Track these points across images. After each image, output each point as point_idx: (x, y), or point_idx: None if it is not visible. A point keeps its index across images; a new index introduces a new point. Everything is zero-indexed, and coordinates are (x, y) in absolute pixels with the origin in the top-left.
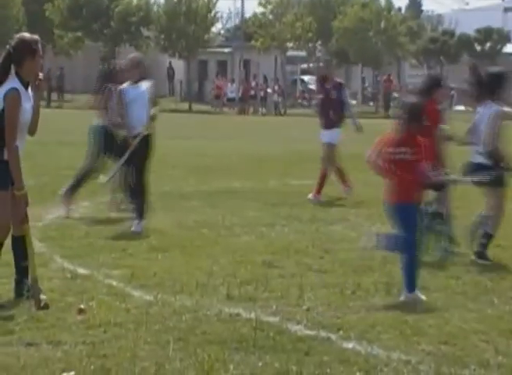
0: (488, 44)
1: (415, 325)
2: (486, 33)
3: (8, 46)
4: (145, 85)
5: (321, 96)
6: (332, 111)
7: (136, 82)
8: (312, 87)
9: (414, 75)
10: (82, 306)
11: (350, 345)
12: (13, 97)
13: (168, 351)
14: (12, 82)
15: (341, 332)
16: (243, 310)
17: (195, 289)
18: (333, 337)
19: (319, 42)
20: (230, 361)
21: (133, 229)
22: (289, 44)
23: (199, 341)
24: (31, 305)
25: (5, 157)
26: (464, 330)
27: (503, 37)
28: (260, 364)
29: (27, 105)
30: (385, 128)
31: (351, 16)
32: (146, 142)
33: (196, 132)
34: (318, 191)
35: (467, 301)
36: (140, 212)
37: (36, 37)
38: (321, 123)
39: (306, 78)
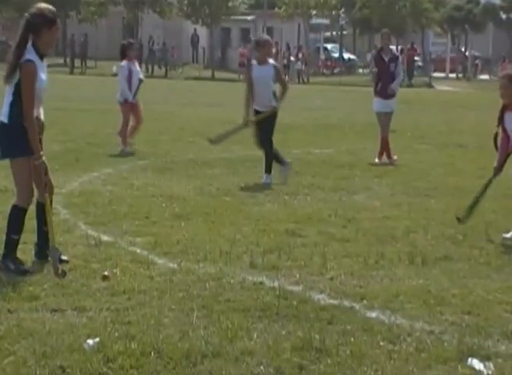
0: None
1: (438, 295)
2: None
3: (26, 15)
4: None
5: (377, 68)
6: (391, 82)
7: None
8: (335, 55)
9: (438, 43)
10: (106, 273)
11: (374, 314)
12: (29, 69)
13: (192, 319)
14: (28, 53)
15: (364, 301)
16: (267, 278)
17: (218, 257)
18: (356, 306)
19: (342, 10)
20: (253, 329)
21: (263, 181)
22: (313, 12)
23: (222, 308)
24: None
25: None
26: (487, 301)
27: None
28: (283, 332)
29: (42, 75)
30: (408, 96)
31: None
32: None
33: (219, 99)
34: (384, 154)
35: (490, 271)
36: (269, 167)
37: (53, 8)
38: (380, 93)
39: (329, 46)
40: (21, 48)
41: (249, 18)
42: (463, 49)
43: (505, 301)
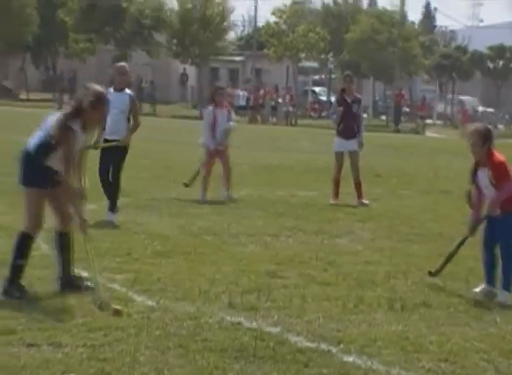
0: (500, 62)
1: (416, 341)
2: (499, 51)
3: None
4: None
5: (341, 108)
6: (354, 123)
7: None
8: (323, 98)
9: (426, 90)
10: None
11: (350, 359)
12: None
13: (168, 357)
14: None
15: (341, 345)
16: (245, 319)
17: (197, 296)
18: (333, 349)
19: (331, 54)
20: (230, 369)
21: (107, 218)
22: (302, 55)
23: (199, 348)
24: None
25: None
26: (465, 349)
27: None
28: (259, 374)
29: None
30: (395, 142)
31: (364, 27)
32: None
33: None
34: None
35: (469, 319)
36: (114, 204)
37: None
38: (344, 133)
39: (317, 89)
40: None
41: (238, 58)
42: (450, 96)
43: (482, 350)
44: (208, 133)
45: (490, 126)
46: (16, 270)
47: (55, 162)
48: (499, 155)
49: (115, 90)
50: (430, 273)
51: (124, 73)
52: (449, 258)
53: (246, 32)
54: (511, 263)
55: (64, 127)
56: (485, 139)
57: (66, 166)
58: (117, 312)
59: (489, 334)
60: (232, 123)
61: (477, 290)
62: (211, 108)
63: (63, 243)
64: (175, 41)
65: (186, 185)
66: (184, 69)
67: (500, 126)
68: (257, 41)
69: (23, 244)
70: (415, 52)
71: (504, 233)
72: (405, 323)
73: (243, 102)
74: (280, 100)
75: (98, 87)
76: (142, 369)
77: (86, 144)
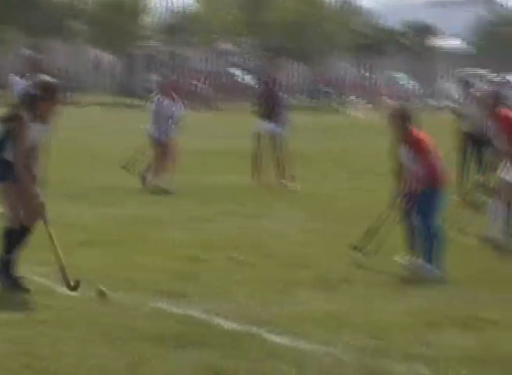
0: (415, 38)
1: (342, 318)
2: (413, 27)
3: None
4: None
5: (264, 92)
6: (277, 106)
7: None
8: (241, 80)
9: (344, 68)
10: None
11: (279, 339)
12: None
13: (94, 347)
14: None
15: (271, 326)
16: (173, 306)
17: (124, 284)
18: (262, 331)
19: (249, 36)
20: (158, 357)
21: None
22: (219, 38)
23: (126, 336)
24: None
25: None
26: (388, 322)
27: (428, 31)
28: (188, 359)
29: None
30: (317, 122)
31: (285, 8)
32: None
33: (128, 126)
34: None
35: (394, 294)
36: None
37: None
38: (268, 116)
39: (236, 72)
40: None
41: (154, 44)
42: (367, 74)
43: (406, 323)
44: (157, 123)
45: (409, 105)
46: (7, 263)
47: (10, 153)
48: (419, 133)
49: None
50: (354, 248)
51: (33, 62)
52: (371, 232)
53: (163, 17)
54: (430, 239)
55: (15, 119)
56: (403, 118)
57: (20, 157)
58: (101, 293)
59: (414, 308)
60: (180, 112)
61: (400, 260)
62: (159, 98)
63: (21, 239)
64: (90, 27)
65: (125, 168)
66: (96, 55)
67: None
68: (173, 25)
69: (8, 238)
70: (335, 32)
71: (422, 207)
72: (332, 301)
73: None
74: (199, 84)
75: (47, 78)
76: (66, 360)
77: (44, 135)
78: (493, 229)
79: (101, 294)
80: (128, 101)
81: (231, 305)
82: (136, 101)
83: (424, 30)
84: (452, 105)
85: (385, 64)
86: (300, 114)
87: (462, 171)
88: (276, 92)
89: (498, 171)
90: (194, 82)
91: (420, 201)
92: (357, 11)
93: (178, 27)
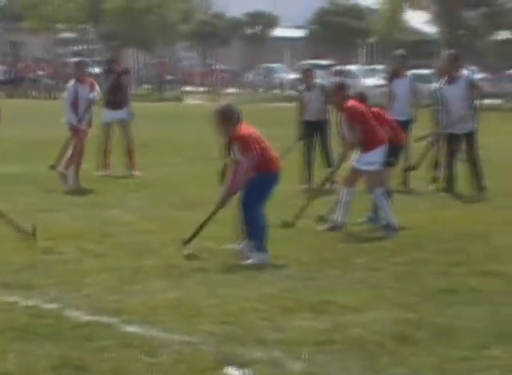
0: (257, 28)
1: (195, 306)
2: (255, 17)
3: None
4: None
5: (111, 81)
6: (124, 95)
7: None
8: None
9: (188, 57)
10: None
11: (132, 329)
12: None
13: None
14: None
15: (122, 316)
16: (21, 298)
17: None
18: (115, 321)
19: (91, 24)
20: (9, 350)
21: None
22: (60, 26)
23: None
24: None
25: None
26: (242, 309)
27: (271, 21)
28: (40, 352)
29: None
30: (159, 111)
31: None
32: None
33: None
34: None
35: (245, 280)
36: None
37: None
38: (113, 104)
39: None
40: None
41: None
42: (211, 63)
43: (260, 309)
44: (71, 110)
45: (231, 104)
46: None
47: None
48: (244, 129)
49: None
50: (184, 243)
51: None
52: (201, 228)
53: (1, 3)
54: (253, 225)
55: None
56: (224, 117)
57: None
58: None
59: (266, 294)
60: (94, 95)
61: (231, 246)
62: (72, 83)
63: None
64: None
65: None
66: None
67: (261, 90)
68: (12, 12)
69: None
70: (174, 20)
71: (246, 194)
72: (183, 289)
73: (1, 77)
74: (41, 73)
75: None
76: None
77: None
78: (339, 214)
79: None
80: None
81: (81, 296)
82: None
83: (268, 20)
84: (295, 94)
85: (226, 53)
86: (144, 103)
87: (305, 159)
88: (122, 81)
89: (350, 161)
90: (37, 71)
91: (246, 188)
92: (200, 0)
93: (18, 14)
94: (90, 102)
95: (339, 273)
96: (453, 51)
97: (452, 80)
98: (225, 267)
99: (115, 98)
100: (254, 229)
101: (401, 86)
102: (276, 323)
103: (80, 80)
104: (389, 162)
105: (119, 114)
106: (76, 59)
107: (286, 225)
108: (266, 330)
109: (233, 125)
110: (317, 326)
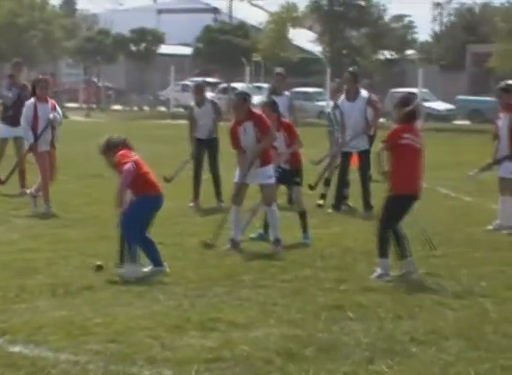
0: (143, 45)
1: (82, 325)
2: (141, 34)
3: None
4: None
5: (11, 97)
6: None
7: None
8: None
9: (71, 74)
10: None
11: (17, 349)
12: None
13: None
14: None
15: (6, 336)
16: None
17: None
18: None
19: None
20: None
21: None
22: None
23: None
24: None
25: None
26: (130, 328)
27: (157, 38)
28: None
29: None
30: None
31: (3, 11)
32: None
33: None
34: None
35: (133, 298)
36: None
37: None
38: (10, 119)
39: None
40: None
41: None
42: (96, 80)
43: (147, 327)
44: (29, 129)
45: (110, 138)
46: None
47: None
48: (123, 156)
49: None
50: (206, 245)
51: None
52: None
53: None
54: (129, 243)
55: None
56: (108, 148)
57: None
58: (99, 268)
59: (153, 312)
60: (54, 115)
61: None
62: (32, 101)
63: None
64: None
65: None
66: None
67: (146, 108)
68: None
69: None
70: (57, 36)
71: (123, 216)
72: (70, 308)
73: None
74: None
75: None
76: None
77: None
78: (233, 231)
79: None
80: None
81: None
82: None
83: (153, 37)
84: (186, 111)
85: (112, 70)
86: None
87: (196, 177)
88: (22, 98)
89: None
90: None
91: (125, 209)
92: (84, 17)
93: None
94: (54, 123)
95: (226, 291)
96: (351, 69)
97: (351, 97)
98: (113, 285)
99: (14, 114)
100: (129, 245)
101: (280, 103)
102: (165, 341)
103: (40, 99)
104: (296, 182)
105: (16, 131)
106: (41, 77)
107: (206, 246)
108: (155, 348)
109: (115, 154)
110: (206, 344)
